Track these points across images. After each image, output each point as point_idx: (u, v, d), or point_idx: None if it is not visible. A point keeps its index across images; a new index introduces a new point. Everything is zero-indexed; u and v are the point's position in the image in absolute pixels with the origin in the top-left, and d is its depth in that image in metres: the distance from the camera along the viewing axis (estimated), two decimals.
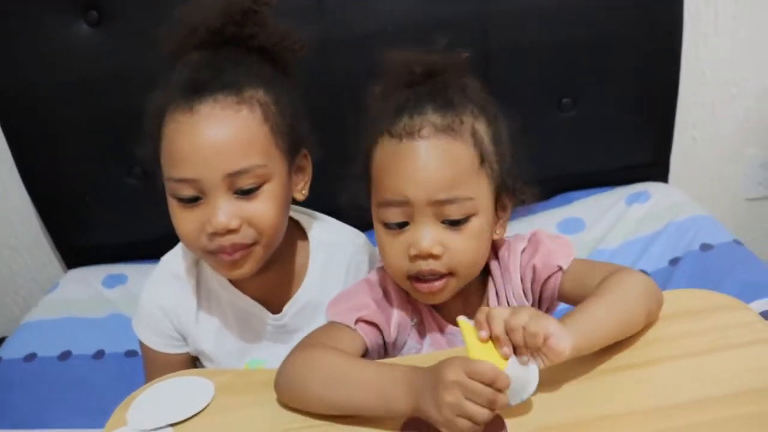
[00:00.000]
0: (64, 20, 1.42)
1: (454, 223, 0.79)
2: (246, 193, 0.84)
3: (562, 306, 0.92)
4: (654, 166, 1.65)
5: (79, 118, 1.49)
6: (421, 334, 0.89)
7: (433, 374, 0.67)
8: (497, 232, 0.87)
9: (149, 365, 1.04)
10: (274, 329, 0.99)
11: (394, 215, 0.80)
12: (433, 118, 0.79)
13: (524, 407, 0.69)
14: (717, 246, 1.35)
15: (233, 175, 0.82)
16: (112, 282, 1.55)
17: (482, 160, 0.81)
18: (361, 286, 0.90)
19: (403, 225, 0.80)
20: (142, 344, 1.04)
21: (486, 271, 0.90)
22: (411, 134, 0.79)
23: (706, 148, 1.73)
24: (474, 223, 0.80)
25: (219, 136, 0.82)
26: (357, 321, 0.84)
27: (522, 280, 0.89)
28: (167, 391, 0.83)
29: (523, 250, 0.90)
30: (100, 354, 1.37)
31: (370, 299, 0.87)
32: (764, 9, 1.58)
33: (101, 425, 1.16)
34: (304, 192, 0.95)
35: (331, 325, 0.85)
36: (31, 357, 1.35)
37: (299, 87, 0.93)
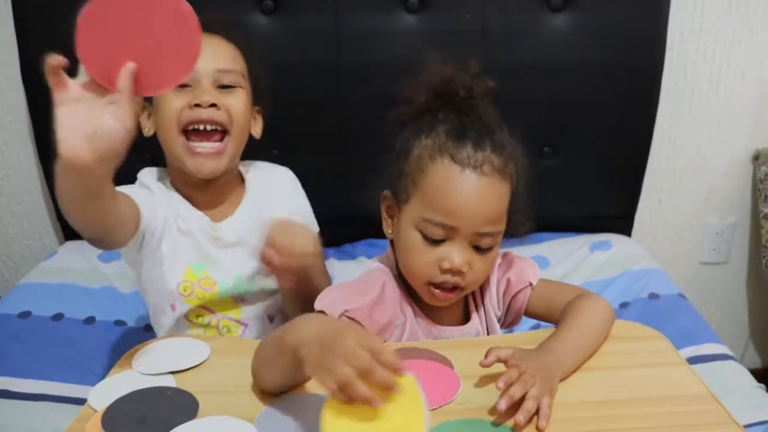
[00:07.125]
0: None
1: (481, 249, 0.90)
2: (225, 87, 1.10)
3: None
4: (619, 219, 1.76)
5: None
6: (405, 332, 0.96)
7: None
8: None
9: None
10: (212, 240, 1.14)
11: (438, 232, 0.88)
12: (492, 157, 0.88)
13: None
14: (663, 297, 1.46)
15: (221, 71, 1.09)
16: (108, 257, 1.59)
17: (511, 198, 0.92)
18: (354, 284, 0.95)
19: (439, 240, 0.89)
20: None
21: None
22: (475, 168, 0.87)
23: (669, 211, 1.85)
24: (494, 250, 0.92)
25: (215, 43, 1.11)
26: (342, 314, 0.88)
27: (497, 291, 1.00)
28: (169, 346, 0.93)
29: (499, 265, 1.01)
30: (90, 320, 1.42)
31: (360, 297, 0.91)
32: (736, 91, 1.72)
33: (89, 382, 1.25)
34: (258, 132, 1.20)
35: (318, 314, 0.89)
36: (25, 314, 1.41)
37: (264, 67, 1.19)
